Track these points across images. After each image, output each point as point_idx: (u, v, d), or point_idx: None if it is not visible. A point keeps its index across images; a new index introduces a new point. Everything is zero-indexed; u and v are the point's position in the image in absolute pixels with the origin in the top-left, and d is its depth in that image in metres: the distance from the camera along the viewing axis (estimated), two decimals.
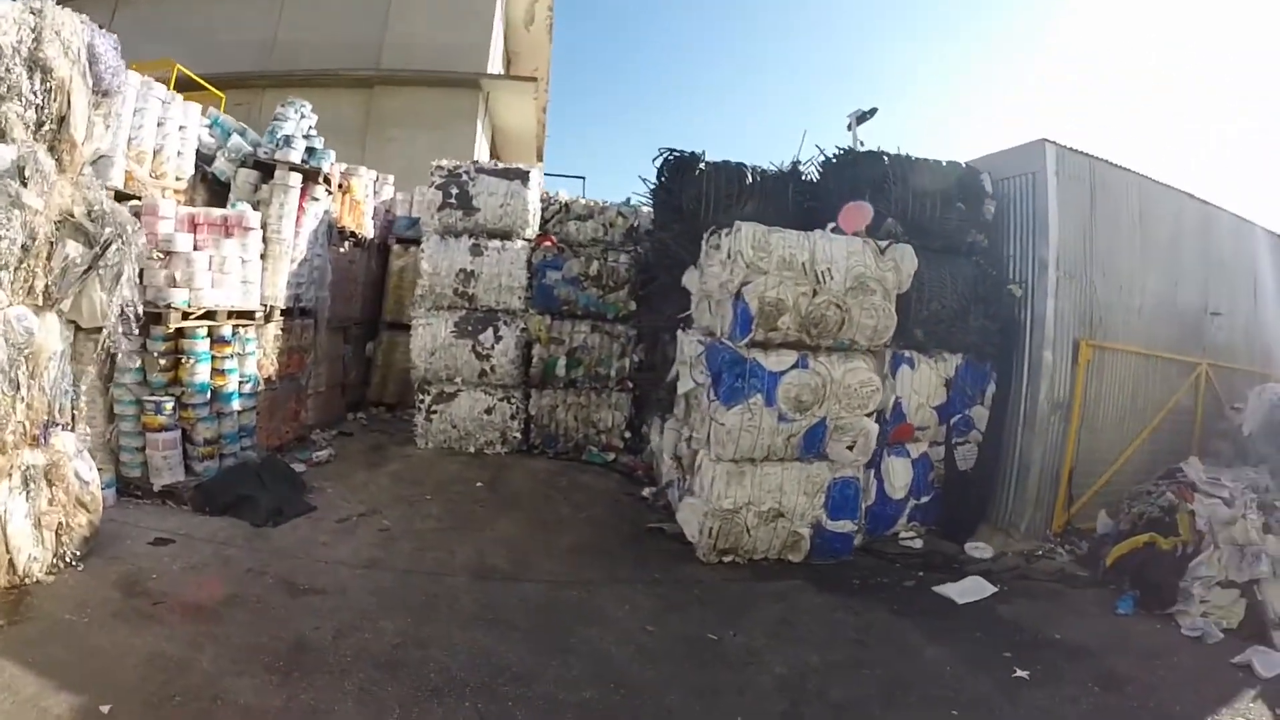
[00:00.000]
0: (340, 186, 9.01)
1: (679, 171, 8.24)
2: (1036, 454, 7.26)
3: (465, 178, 9.11)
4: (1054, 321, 7.30)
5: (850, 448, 6.46)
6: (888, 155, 7.59)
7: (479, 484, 7.83)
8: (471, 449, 9.03)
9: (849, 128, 12.85)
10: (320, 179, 8.21)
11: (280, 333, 7.80)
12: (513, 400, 9.16)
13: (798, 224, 6.67)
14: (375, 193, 10.58)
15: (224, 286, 6.79)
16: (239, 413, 6.98)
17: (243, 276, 7.03)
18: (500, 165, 9.29)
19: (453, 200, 9.08)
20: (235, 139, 7.88)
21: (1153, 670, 4.79)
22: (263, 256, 7.41)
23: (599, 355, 9.51)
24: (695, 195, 7.89)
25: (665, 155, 8.36)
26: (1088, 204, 7.60)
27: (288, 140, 7.94)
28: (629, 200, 10.63)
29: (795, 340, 6.24)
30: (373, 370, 10.99)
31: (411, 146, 12.11)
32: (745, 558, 6.21)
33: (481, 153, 14.92)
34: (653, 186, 9.29)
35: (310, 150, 8.10)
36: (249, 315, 7.17)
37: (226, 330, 6.85)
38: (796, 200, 7.93)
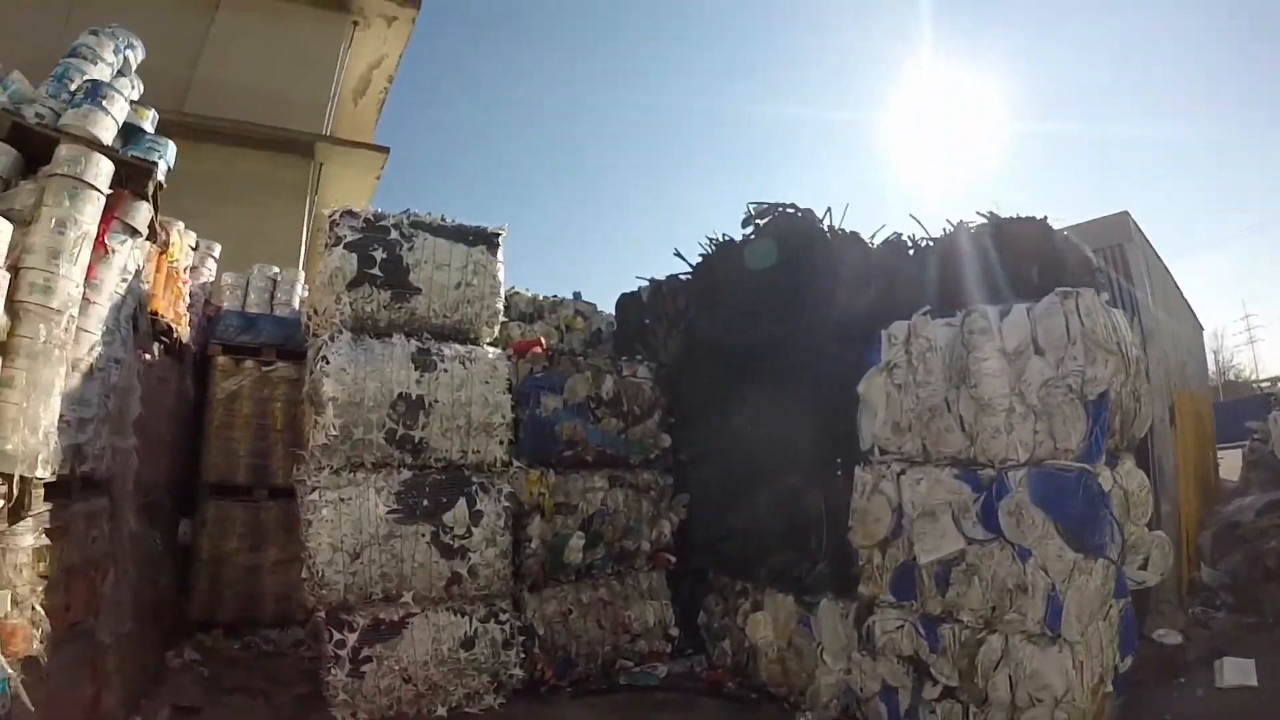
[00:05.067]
0: (155, 237, 4.07)
1: (797, 242, 4.98)
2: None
3: (396, 235, 4.65)
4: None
5: (1142, 567, 4.17)
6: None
7: None
8: (444, 710, 4.23)
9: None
10: (150, 186, 3.38)
11: (47, 540, 2.72)
12: (502, 616, 4.57)
13: (905, 311, 4.36)
14: (191, 269, 5.48)
15: None
16: None
17: None
18: (451, 221, 5.02)
19: (376, 273, 4.54)
20: None
21: None
22: (4, 350, 2.56)
23: (626, 522, 5.28)
24: (830, 273, 4.88)
25: (771, 211, 5.07)
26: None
27: (94, 92, 3.18)
28: (578, 295, 6.87)
29: (1111, 448, 3.89)
30: (193, 569, 5.39)
31: (222, 226, 6.91)
32: None
33: (302, 244, 9.98)
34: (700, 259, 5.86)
35: (131, 130, 3.37)
36: None
37: None
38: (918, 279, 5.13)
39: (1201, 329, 12.21)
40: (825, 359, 4.66)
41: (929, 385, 4.08)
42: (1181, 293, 9.52)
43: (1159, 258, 7.86)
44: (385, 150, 10.67)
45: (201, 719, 4.02)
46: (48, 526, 2.76)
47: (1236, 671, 4.72)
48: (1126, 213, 6.50)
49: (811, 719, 4.41)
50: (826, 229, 5.03)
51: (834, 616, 4.46)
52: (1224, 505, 7.20)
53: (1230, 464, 9.37)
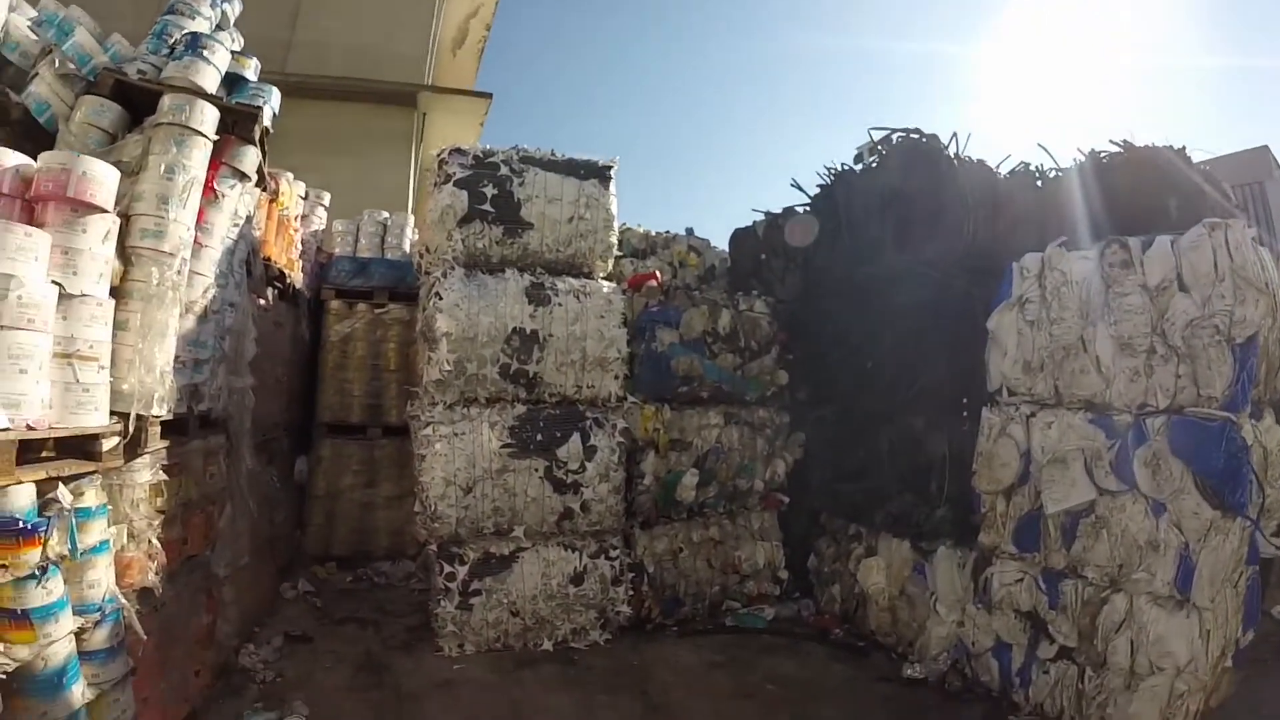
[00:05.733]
0: (265, 185, 4.15)
1: (919, 167, 4.54)
2: None
3: (506, 171, 4.52)
4: None
5: (1276, 534, 3.59)
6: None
7: None
8: (549, 644, 4.28)
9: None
10: (256, 131, 3.40)
11: (164, 476, 2.84)
12: (612, 552, 4.52)
13: (1036, 243, 3.91)
14: (301, 217, 5.64)
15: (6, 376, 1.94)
16: (84, 708, 2.01)
17: (68, 339, 2.19)
18: (561, 155, 4.80)
19: (487, 209, 4.44)
20: (80, 35, 3.01)
21: None
22: (119, 294, 2.61)
23: (740, 460, 5.09)
24: (957, 202, 4.42)
25: (892, 138, 4.69)
26: None
27: (194, 44, 3.15)
28: (690, 230, 6.62)
29: (1254, 399, 3.42)
30: (309, 505, 5.70)
31: (331, 177, 7.10)
32: None
33: (409, 191, 10.23)
34: (822, 188, 5.52)
35: (235, 80, 3.38)
36: (83, 447, 2.29)
37: (22, 501, 1.96)
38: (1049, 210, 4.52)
39: None
40: (951, 293, 4.22)
41: (1063, 322, 3.62)
42: None
43: None
44: (488, 96, 10.49)
45: (313, 647, 4.14)
46: (165, 463, 2.81)
47: None
48: (1266, 147, 5.99)
49: (919, 670, 4.09)
50: (953, 157, 4.56)
51: (950, 565, 4.14)
52: None
53: None
